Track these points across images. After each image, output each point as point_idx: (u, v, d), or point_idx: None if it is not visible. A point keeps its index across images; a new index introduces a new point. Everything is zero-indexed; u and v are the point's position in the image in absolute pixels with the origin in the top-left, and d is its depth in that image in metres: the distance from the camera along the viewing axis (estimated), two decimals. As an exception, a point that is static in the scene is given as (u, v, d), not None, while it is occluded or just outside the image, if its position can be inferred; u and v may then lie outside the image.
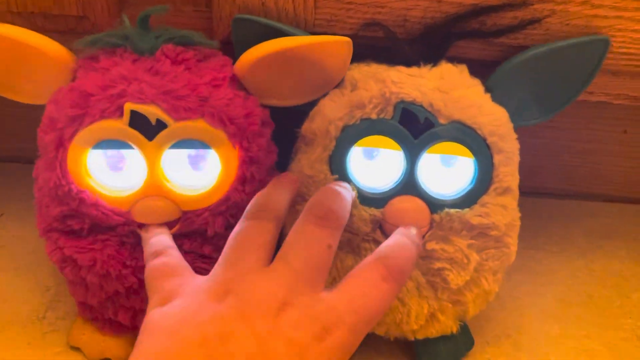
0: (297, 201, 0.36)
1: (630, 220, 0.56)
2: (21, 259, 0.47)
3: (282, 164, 0.39)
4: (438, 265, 0.36)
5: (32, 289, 0.45)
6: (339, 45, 0.34)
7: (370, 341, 0.40)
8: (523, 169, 0.38)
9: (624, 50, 0.38)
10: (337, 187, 0.32)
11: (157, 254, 0.32)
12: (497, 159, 0.35)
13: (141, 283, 0.36)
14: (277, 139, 0.38)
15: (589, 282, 0.49)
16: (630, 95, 0.41)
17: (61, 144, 0.34)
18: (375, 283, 0.28)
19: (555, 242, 0.53)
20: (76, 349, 0.40)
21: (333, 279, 0.37)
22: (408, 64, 0.36)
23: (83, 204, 0.35)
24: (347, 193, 0.32)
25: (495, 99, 0.36)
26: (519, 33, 0.37)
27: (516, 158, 0.36)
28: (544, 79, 0.37)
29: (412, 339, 0.39)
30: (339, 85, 0.36)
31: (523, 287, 0.48)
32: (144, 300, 0.37)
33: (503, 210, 0.36)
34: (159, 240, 0.34)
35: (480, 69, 0.37)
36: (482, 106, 0.34)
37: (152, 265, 0.32)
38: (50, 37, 0.35)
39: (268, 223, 0.30)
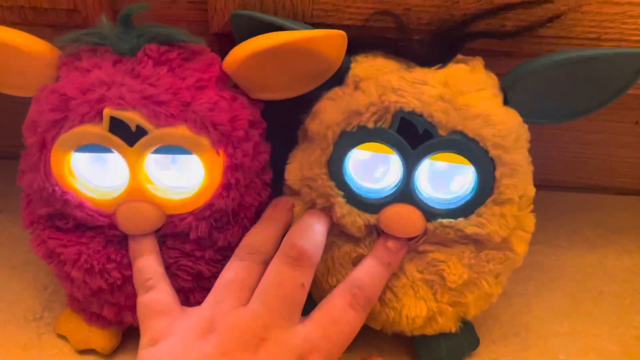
0: (294, 199, 0.37)
1: (641, 214, 0.55)
2: (17, 258, 0.46)
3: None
4: (432, 256, 0.36)
5: (28, 288, 0.44)
6: (333, 38, 0.32)
7: (369, 335, 0.39)
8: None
9: (637, 37, 0.36)
10: (311, 220, 0.35)
11: (148, 287, 0.34)
12: (499, 171, 0.33)
13: (125, 279, 0.36)
14: (278, 126, 0.37)
15: (600, 278, 0.48)
16: (645, 84, 0.39)
17: (44, 147, 0.33)
18: (344, 311, 0.32)
19: (564, 237, 0.52)
20: (73, 350, 0.40)
21: (327, 268, 0.37)
22: (416, 60, 0.34)
23: (67, 205, 0.34)
24: (320, 226, 0.35)
25: (510, 98, 0.34)
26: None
27: (523, 168, 0.34)
28: (570, 86, 0.34)
29: (410, 335, 0.39)
30: (342, 81, 0.35)
31: (531, 283, 0.47)
32: (129, 296, 0.37)
33: (501, 220, 0.34)
34: (149, 268, 0.35)
35: (501, 59, 0.36)
36: (489, 115, 0.32)
37: (143, 300, 0.34)
38: (41, 31, 0.34)
39: (256, 265, 0.33)
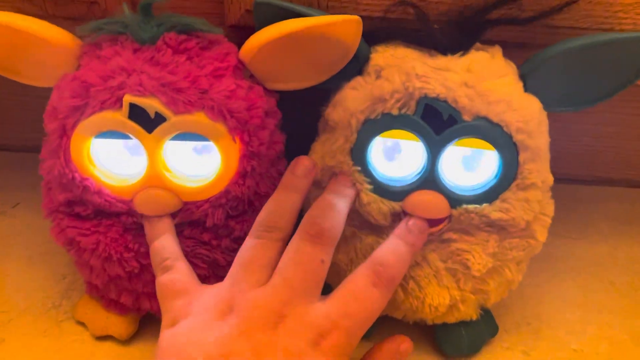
0: (311, 189, 0.36)
1: (653, 205, 0.55)
2: (36, 248, 0.47)
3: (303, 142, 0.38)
4: (455, 246, 0.36)
5: (47, 278, 0.45)
6: (349, 24, 0.32)
7: (390, 325, 0.40)
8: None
9: (651, 27, 0.36)
10: (333, 198, 0.34)
11: (165, 268, 0.34)
12: (523, 156, 0.33)
13: (143, 268, 0.37)
14: (294, 118, 0.37)
15: (611, 269, 0.48)
16: (658, 75, 0.39)
17: (64, 133, 0.34)
18: (367, 289, 0.31)
19: (576, 228, 0.52)
20: (92, 337, 0.41)
21: (350, 259, 0.37)
22: (437, 48, 0.35)
23: (87, 191, 0.35)
24: (342, 203, 0.34)
25: (529, 86, 0.35)
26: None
27: (544, 153, 0.35)
28: (587, 71, 0.34)
29: (431, 323, 0.39)
30: (362, 72, 0.35)
31: (543, 274, 0.47)
32: (147, 284, 0.37)
33: (525, 205, 0.35)
34: (166, 249, 0.35)
35: (515, 50, 0.36)
36: (511, 100, 0.33)
37: (161, 281, 0.34)
38: (60, 23, 0.34)
39: (274, 243, 0.32)
